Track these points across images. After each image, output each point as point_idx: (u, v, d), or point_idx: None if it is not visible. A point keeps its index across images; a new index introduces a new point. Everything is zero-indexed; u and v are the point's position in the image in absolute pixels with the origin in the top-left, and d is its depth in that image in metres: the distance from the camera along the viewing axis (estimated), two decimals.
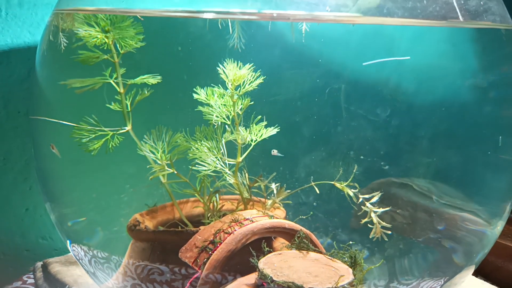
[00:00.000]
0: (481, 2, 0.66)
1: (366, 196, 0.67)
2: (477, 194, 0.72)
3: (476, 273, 0.98)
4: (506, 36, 0.69)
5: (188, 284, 0.65)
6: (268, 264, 0.58)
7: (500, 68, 0.70)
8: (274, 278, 0.55)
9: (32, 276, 0.91)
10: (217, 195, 0.75)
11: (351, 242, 0.69)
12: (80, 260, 0.77)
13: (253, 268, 0.61)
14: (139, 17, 0.68)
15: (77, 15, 0.70)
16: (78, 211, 0.77)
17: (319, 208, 0.73)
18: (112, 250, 0.74)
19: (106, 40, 0.69)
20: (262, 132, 0.71)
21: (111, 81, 0.70)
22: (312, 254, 0.63)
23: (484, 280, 0.93)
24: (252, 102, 0.70)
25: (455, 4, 0.65)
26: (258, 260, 0.60)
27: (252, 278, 0.60)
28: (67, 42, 0.70)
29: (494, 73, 0.70)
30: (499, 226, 0.73)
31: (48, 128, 0.75)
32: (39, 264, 0.93)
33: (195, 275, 0.63)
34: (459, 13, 0.65)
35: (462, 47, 0.70)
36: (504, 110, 0.70)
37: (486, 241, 0.73)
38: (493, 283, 0.92)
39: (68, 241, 0.78)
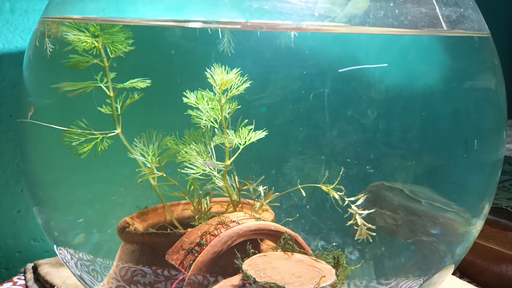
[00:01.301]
0: (461, 10, 0.68)
1: (352, 198, 0.68)
2: (454, 194, 0.73)
3: (461, 276, 0.99)
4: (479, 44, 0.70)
5: (173, 286, 0.66)
6: (252, 265, 0.59)
7: (476, 75, 0.72)
8: (257, 279, 0.56)
9: (22, 277, 0.91)
10: (207, 197, 0.76)
11: (334, 244, 0.70)
12: (67, 263, 0.78)
13: (238, 270, 0.62)
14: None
15: (66, 23, 0.71)
16: (65, 215, 0.78)
17: (312, 211, 0.74)
18: (101, 253, 0.75)
19: (96, 44, 0.69)
20: (250, 135, 0.71)
21: (102, 85, 0.71)
22: (297, 255, 0.64)
23: (469, 282, 0.94)
24: (240, 106, 0.71)
25: (438, 12, 0.66)
26: (243, 261, 0.61)
27: (236, 279, 0.60)
28: (52, 48, 0.71)
29: (470, 79, 0.71)
30: (478, 226, 0.74)
31: (34, 131, 0.76)
32: (30, 265, 0.93)
33: (181, 277, 0.64)
34: (442, 22, 0.66)
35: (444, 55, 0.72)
36: (479, 113, 0.72)
37: (465, 240, 0.74)
38: (478, 285, 0.93)
39: (55, 245, 0.79)
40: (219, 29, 0.66)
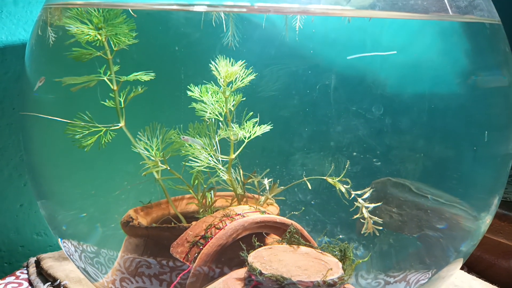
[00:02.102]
0: None
1: (358, 192, 0.67)
2: (464, 188, 0.72)
3: (469, 271, 0.99)
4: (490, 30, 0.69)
5: (178, 279, 0.65)
6: (258, 258, 0.58)
7: (486, 64, 0.71)
8: (263, 271, 0.55)
9: (25, 271, 0.91)
10: (211, 191, 0.75)
11: (341, 236, 0.69)
12: (71, 256, 0.78)
13: (244, 263, 0.61)
14: (132, 13, 0.68)
15: (69, 10, 0.70)
16: (69, 208, 0.77)
17: (316, 207, 0.73)
18: (104, 247, 0.74)
19: (99, 37, 0.69)
20: (256, 129, 0.71)
21: (105, 78, 0.70)
22: (303, 248, 0.63)
23: (477, 277, 0.94)
24: (244, 98, 0.70)
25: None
26: (248, 254, 0.60)
27: (242, 272, 0.60)
28: (55, 36, 0.70)
29: (481, 69, 0.70)
30: (487, 220, 0.73)
31: (37, 124, 0.75)
32: (33, 259, 0.93)
33: (185, 270, 0.63)
34: (448, 8, 0.65)
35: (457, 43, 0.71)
36: (490, 105, 0.71)
37: (474, 234, 0.73)
38: (486, 281, 0.92)
39: (59, 239, 0.78)
40: (224, 13, 0.65)
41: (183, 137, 0.71)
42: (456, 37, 0.70)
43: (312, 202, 0.73)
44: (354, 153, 0.69)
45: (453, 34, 0.71)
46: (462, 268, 0.99)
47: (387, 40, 0.67)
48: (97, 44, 0.69)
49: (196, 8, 0.66)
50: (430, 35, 0.69)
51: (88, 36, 0.68)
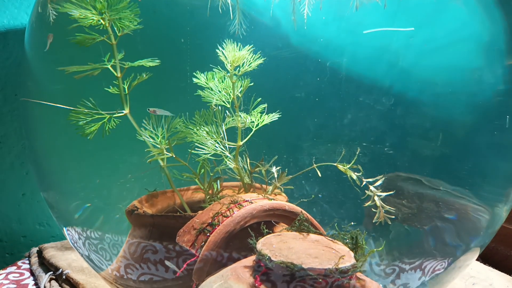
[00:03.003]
0: None
1: (370, 179, 0.66)
2: (481, 179, 0.70)
3: (485, 262, 0.97)
4: None
5: (184, 266, 0.63)
6: (267, 245, 0.56)
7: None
8: (272, 258, 0.53)
9: (27, 261, 0.90)
10: (218, 181, 0.74)
11: (352, 223, 0.67)
12: (75, 244, 0.76)
13: (252, 251, 0.59)
14: None
15: None
16: (73, 196, 0.76)
17: (324, 200, 0.72)
18: (110, 235, 0.73)
19: (102, 21, 0.67)
20: (264, 117, 0.69)
21: (109, 67, 0.69)
22: (313, 236, 0.61)
23: (493, 268, 0.92)
24: (252, 84, 0.68)
25: None
26: (257, 241, 0.58)
27: (251, 260, 0.58)
28: (56, 14, 0.69)
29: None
30: (504, 211, 0.71)
31: (38, 109, 0.74)
32: (35, 249, 0.92)
33: (192, 259, 0.61)
34: None
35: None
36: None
37: (490, 225, 0.71)
38: (502, 272, 0.91)
39: (64, 228, 0.77)
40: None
41: (150, 109, 0.69)
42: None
43: (319, 194, 0.71)
44: (364, 144, 0.68)
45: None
46: (477, 260, 0.98)
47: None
48: (101, 28, 0.67)
49: None
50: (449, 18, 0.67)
51: (91, 21, 0.67)
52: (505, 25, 0.67)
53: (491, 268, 0.90)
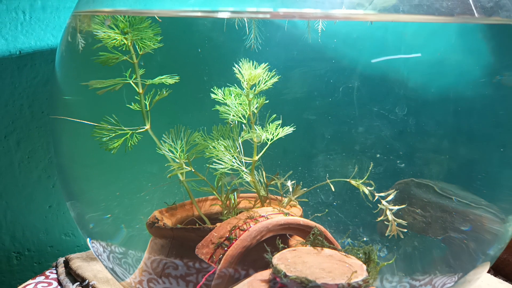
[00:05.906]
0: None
1: (382, 194, 0.67)
2: (491, 191, 0.71)
3: (496, 274, 0.97)
4: None
5: (203, 280, 0.66)
6: (282, 259, 0.58)
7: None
8: (287, 273, 0.55)
9: (54, 271, 0.93)
10: (235, 193, 0.76)
11: (365, 239, 0.69)
12: (99, 256, 0.79)
13: (268, 265, 0.61)
14: (157, 18, 0.69)
15: (96, 17, 0.71)
16: (97, 209, 0.79)
17: (339, 208, 0.73)
18: (132, 247, 0.76)
19: (125, 41, 0.70)
20: (278, 131, 0.71)
21: (131, 82, 0.71)
22: (327, 251, 0.63)
23: (504, 280, 0.92)
24: (267, 101, 0.70)
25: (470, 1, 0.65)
26: (273, 256, 0.60)
27: (266, 274, 0.60)
28: (84, 43, 0.72)
29: (506, 68, 0.69)
30: None
31: (67, 127, 0.77)
32: (61, 259, 0.95)
33: (211, 271, 0.64)
34: (474, 10, 0.64)
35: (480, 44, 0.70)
36: None
37: (501, 238, 0.72)
38: None
39: (88, 239, 0.80)
40: (252, 20, 0.65)
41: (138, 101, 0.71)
42: (482, 38, 0.69)
43: (334, 203, 0.72)
44: (378, 155, 0.69)
45: (480, 35, 0.70)
46: (488, 271, 0.98)
47: (410, 42, 0.66)
48: (123, 49, 0.70)
49: (220, 15, 0.67)
50: (456, 37, 0.68)
51: (114, 41, 0.69)
52: None
53: (502, 280, 0.90)
